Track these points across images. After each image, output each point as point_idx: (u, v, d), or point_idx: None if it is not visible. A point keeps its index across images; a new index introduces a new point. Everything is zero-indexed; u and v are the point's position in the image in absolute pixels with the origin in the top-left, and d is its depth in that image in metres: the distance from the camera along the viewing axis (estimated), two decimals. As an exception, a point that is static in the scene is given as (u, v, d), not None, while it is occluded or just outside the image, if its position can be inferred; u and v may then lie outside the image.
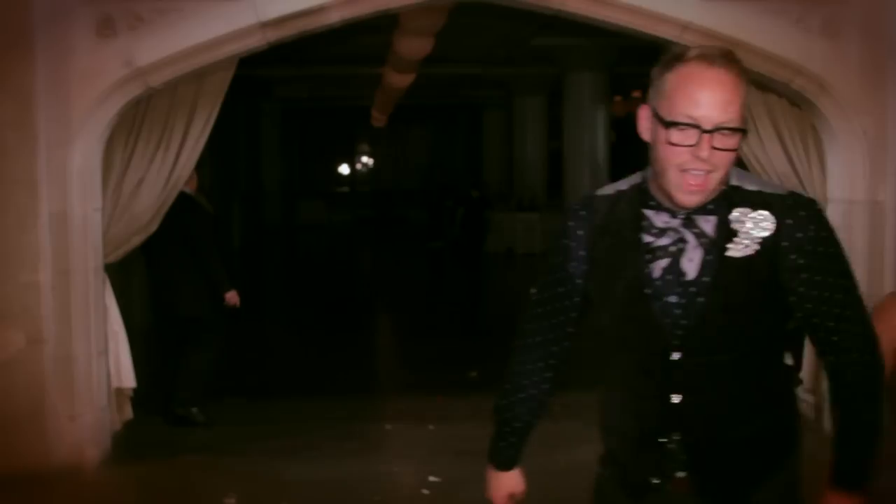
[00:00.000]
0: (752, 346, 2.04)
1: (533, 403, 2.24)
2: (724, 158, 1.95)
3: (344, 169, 29.73)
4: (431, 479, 5.17)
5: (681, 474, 2.06)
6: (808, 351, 6.04)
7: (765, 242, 1.97)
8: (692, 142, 1.92)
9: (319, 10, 5.40)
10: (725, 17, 5.49)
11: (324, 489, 5.08)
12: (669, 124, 1.93)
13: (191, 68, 5.43)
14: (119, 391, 5.74)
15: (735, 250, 1.97)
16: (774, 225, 1.97)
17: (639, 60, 12.14)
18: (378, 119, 22.49)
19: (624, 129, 20.31)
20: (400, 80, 13.69)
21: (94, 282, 5.45)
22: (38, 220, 5.22)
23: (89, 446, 5.42)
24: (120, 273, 6.17)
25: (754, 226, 1.98)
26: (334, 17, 5.49)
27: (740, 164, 2.63)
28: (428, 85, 15.61)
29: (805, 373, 5.99)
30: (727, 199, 2.01)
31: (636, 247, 2.04)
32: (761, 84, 5.78)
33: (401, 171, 28.73)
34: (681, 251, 2.01)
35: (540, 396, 2.24)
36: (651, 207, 2.05)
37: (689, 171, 1.94)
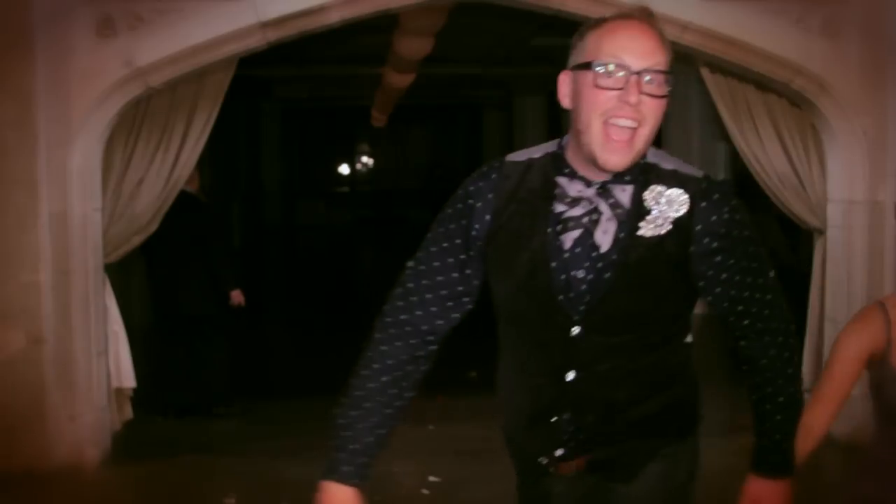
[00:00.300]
0: (655, 327, 1.99)
1: (391, 417, 2.02)
2: (653, 108, 1.87)
3: (344, 169, 29.70)
4: (431, 479, 5.17)
5: (567, 453, 2.00)
6: (808, 352, 6.04)
7: (677, 223, 1.91)
8: (620, 85, 1.84)
9: (319, 10, 5.40)
10: (725, 17, 5.49)
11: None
12: (597, 65, 1.85)
13: (191, 68, 5.43)
14: (119, 391, 5.74)
15: (646, 228, 1.90)
16: (688, 206, 1.91)
17: (639, 60, 12.19)
18: (378, 119, 22.46)
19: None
20: (400, 80, 13.68)
21: (94, 282, 5.45)
22: (38, 220, 5.22)
23: (89, 446, 5.42)
24: (120, 273, 6.18)
25: (668, 205, 1.91)
26: (334, 17, 5.49)
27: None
28: (428, 85, 15.59)
29: (805, 372, 5.99)
30: (644, 174, 1.93)
31: (547, 216, 1.94)
32: (761, 84, 5.78)
33: (401, 171, 28.71)
34: (594, 222, 1.92)
35: (401, 405, 2.05)
36: (565, 175, 1.95)
37: (615, 122, 1.85)
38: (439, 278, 2.01)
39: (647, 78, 1.84)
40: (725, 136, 7.48)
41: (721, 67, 5.85)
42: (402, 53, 10.66)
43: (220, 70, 5.69)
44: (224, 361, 6.53)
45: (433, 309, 2.01)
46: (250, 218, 20.42)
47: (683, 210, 1.91)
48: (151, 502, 5.17)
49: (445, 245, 2.01)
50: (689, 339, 2.09)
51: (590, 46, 1.90)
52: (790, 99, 5.81)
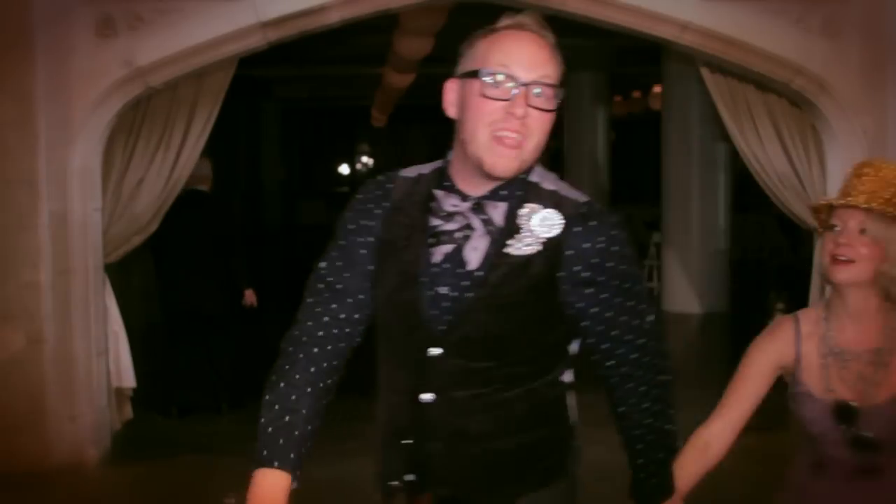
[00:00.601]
0: (519, 356, 1.84)
1: (309, 427, 1.89)
2: (540, 122, 1.80)
3: (344, 169, 29.71)
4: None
5: (416, 483, 1.88)
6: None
7: (548, 244, 1.80)
8: (507, 96, 1.76)
9: (319, 10, 5.40)
10: (725, 16, 5.49)
11: (324, 489, 5.08)
12: (485, 74, 1.76)
13: (191, 68, 5.43)
14: (119, 391, 5.74)
15: (514, 247, 1.80)
16: (561, 228, 1.80)
17: (639, 60, 12.17)
18: (378, 119, 22.48)
19: (624, 129, 20.33)
20: (400, 80, 13.70)
21: (94, 282, 5.45)
22: (38, 220, 5.22)
23: (89, 446, 5.42)
24: (120, 273, 6.18)
25: (540, 224, 1.81)
26: (334, 17, 5.49)
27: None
28: (428, 85, 15.59)
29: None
30: (521, 191, 1.84)
31: (423, 229, 1.85)
32: (761, 84, 5.79)
33: (401, 171, 28.71)
34: (466, 238, 1.82)
35: (317, 419, 1.91)
36: (444, 188, 1.87)
37: (500, 134, 1.76)
38: (353, 272, 1.92)
39: (536, 90, 1.77)
40: (725, 136, 7.49)
41: (721, 67, 5.85)
42: (402, 53, 10.67)
43: (220, 70, 5.70)
44: (234, 360, 6.58)
45: (349, 301, 1.92)
46: (250, 218, 20.42)
47: (556, 232, 1.80)
48: (151, 502, 5.17)
49: (356, 241, 1.93)
50: (566, 378, 1.94)
51: (478, 54, 1.81)
52: (790, 99, 5.81)
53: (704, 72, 5.98)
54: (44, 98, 5.20)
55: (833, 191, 5.84)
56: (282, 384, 1.89)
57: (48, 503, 4.98)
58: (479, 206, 1.83)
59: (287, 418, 1.85)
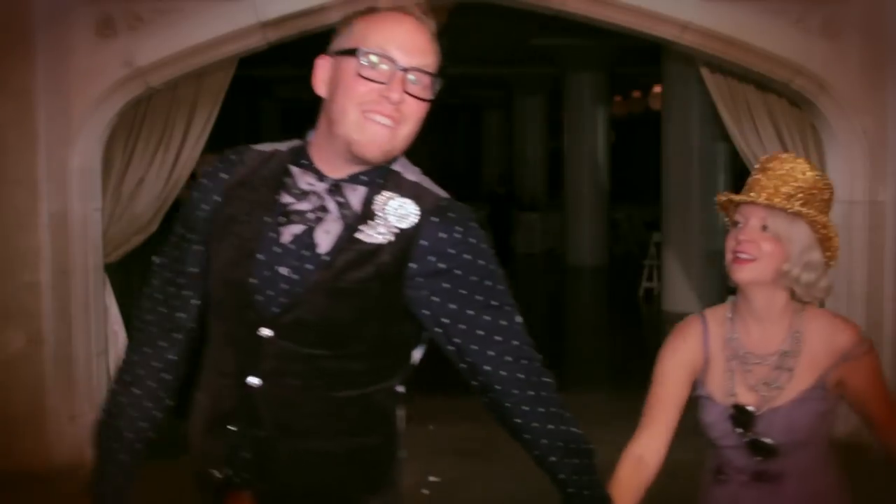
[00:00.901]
0: (356, 348, 1.75)
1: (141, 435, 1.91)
2: (415, 110, 1.73)
3: (344, 169, 29.74)
4: (431, 479, 5.17)
5: (236, 475, 1.78)
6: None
7: (402, 235, 1.72)
8: (384, 79, 1.70)
9: (319, 10, 5.41)
10: (725, 16, 5.49)
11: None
12: (362, 54, 1.70)
13: (191, 68, 5.43)
14: (119, 391, 5.74)
15: (366, 233, 1.72)
16: (418, 219, 1.72)
17: (639, 60, 12.17)
18: (378, 119, 22.50)
19: (624, 129, 20.33)
20: (400, 80, 13.70)
21: (93, 282, 5.46)
22: (38, 220, 5.22)
23: (89, 446, 5.41)
24: (120, 273, 6.17)
25: (395, 213, 1.73)
26: (334, 17, 5.49)
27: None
28: (427, 85, 15.59)
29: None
30: (382, 178, 1.76)
31: (270, 206, 1.76)
32: (761, 84, 5.78)
33: (401, 171, 28.74)
34: (319, 220, 1.74)
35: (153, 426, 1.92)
36: (301, 166, 1.78)
37: (372, 117, 1.70)
38: (181, 269, 1.85)
39: (413, 77, 1.71)
40: (725, 136, 7.49)
41: (721, 67, 5.85)
42: (402, 53, 10.67)
43: (220, 70, 5.69)
44: None
45: (176, 302, 1.86)
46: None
47: (410, 222, 1.72)
48: (151, 502, 5.17)
49: (182, 233, 1.86)
50: (401, 388, 1.85)
51: (357, 33, 1.76)
52: (790, 99, 5.81)
53: (704, 72, 5.99)
54: (43, 98, 5.20)
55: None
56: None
57: (48, 503, 4.98)
58: (336, 188, 1.75)
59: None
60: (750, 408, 2.11)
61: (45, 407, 5.29)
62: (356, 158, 1.73)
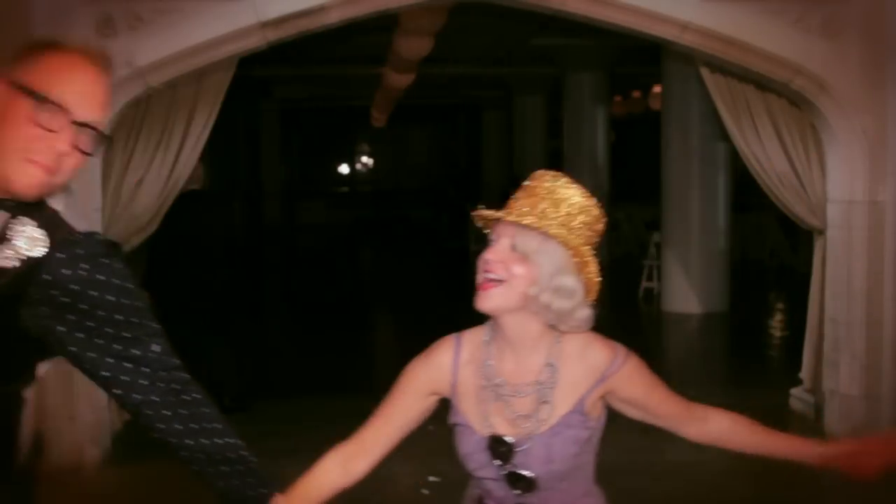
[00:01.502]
0: None
1: None
2: (75, 165, 1.79)
3: (344, 169, 29.71)
4: (431, 479, 5.17)
5: None
6: (808, 352, 6.04)
7: (26, 263, 1.75)
8: (55, 128, 1.72)
9: (319, 10, 5.41)
10: (725, 16, 5.49)
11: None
12: (40, 100, 1.71)
13: (191, 68, 5.43)
14: (119, 391, 5.74)
15: None
16: (45, 250, 1.76)
17: (639, 60, 12.16)
18: (378, 119, 22.48)
19: (624, 129, 20.32)
20: (400, 80, 13.69)
21: (94, 282, 5.45)
22: (37, 220, 5.22)
23: (89, 446, 5.42)
24: (120, 273, 6.17)
25: (25, 241, 1.76)
26: (334, 17, 5.50)
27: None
28: (428, 85, 15.61)
29: (805, 372, 5.99)
30: (24, 206, 1.79)
31: None
32: (761, 84, 5.79)
33: (401, 171, 28.72)
34: None
35: None
36: None
37: (36, 158, 1.73)
38: None
39: (84, 132, 1.76)
40: (725, 136, 7.49)
41: (721, 67, 5.85)
42: (402, 53, 10.66)
43: (220, 70, 5.70)
44: (234, 361, 6.65)
45: None
46: (250, 218, 20.42)
47: (37, 252, 1.75)
48: (151, 502, 5.17)
49: None
50: (27, 394, 1.95)
51: (41, 71, 1.75)
52: (790, 99, 5.81)
53: (704, 71, 5.99)
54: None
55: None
56: None
57: (48, 503, 4.98)
58: None
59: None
60: (508, 438, 2.01)
61: (45, 407, 5.29)
62: (10, 192, 1.76)
